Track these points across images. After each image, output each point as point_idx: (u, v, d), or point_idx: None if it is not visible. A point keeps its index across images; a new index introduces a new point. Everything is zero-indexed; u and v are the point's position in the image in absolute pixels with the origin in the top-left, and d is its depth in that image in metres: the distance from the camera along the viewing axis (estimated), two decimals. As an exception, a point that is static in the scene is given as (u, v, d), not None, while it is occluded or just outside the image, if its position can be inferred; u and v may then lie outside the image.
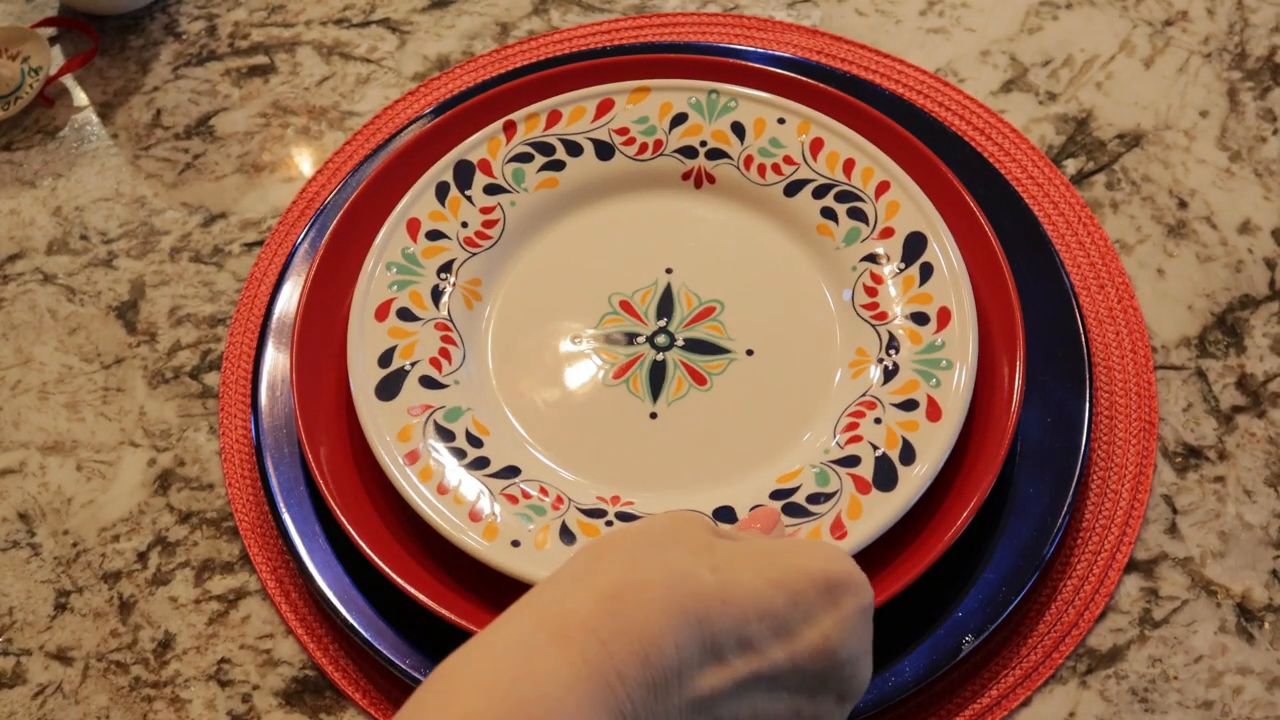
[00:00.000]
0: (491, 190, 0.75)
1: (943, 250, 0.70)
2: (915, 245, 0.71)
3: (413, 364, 0.70)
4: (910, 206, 0.71)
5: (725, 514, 0.65)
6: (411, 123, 0.81)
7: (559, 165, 0.76)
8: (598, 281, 0.74)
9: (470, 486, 0.66)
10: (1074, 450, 0.68)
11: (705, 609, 0.46)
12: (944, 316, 0.68)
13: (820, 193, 0.73)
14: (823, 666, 0.48)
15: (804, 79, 0.77)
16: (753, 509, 0.64)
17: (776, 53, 0.83)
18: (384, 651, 0.64)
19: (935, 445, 0.65)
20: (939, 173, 0.73)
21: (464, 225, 0.74)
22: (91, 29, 0.88)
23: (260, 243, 0.79)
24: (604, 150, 0.76)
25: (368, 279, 0.71)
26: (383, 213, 0.74)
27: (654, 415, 0.70)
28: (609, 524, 0.65)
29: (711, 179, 0.75)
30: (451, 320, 0.72)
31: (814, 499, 0.65)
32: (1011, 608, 0.64)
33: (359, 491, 0.67)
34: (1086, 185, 0.79)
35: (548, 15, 0.87)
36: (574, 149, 0.76)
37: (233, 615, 0.69)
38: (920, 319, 0.69)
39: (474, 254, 0.74)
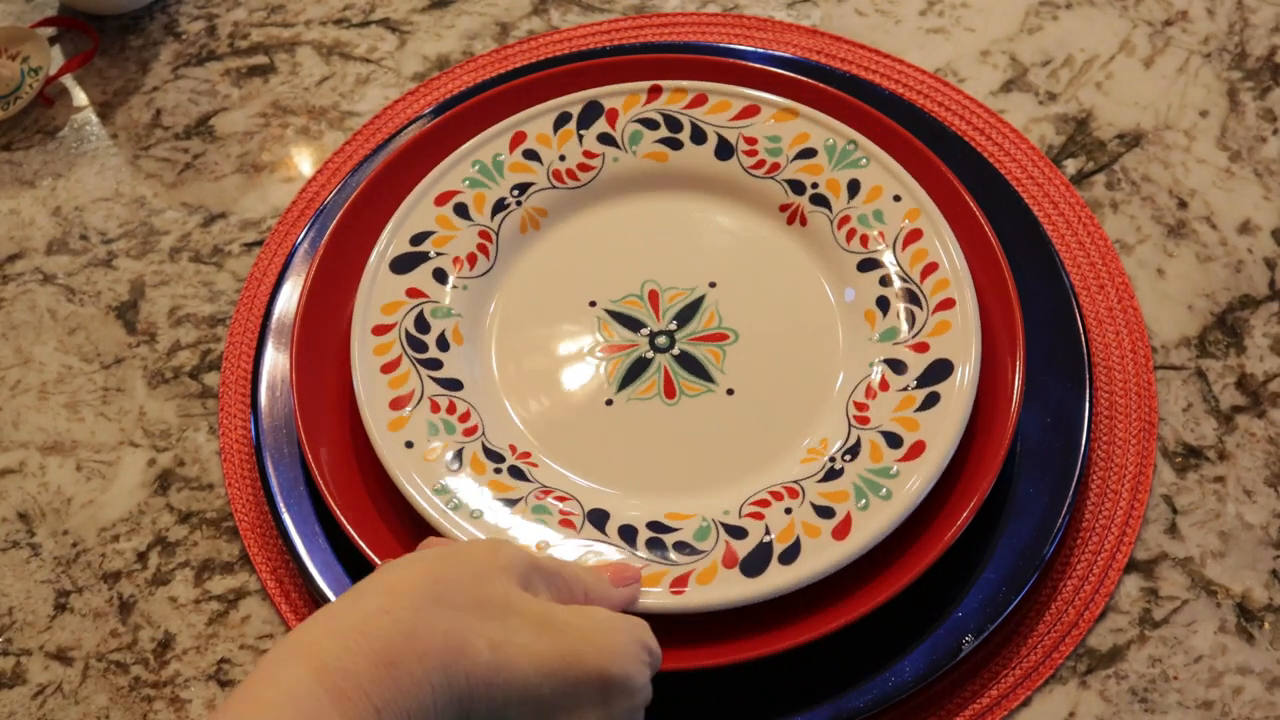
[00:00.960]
0: (604, 139, 0.76)
1: (961, 392, 0.66)
2: (938, 372, 0.67)
3: (438, 254, 0.72)
4: (958, 335, 0.68)
5: (597, 517, 0.65)
6: (411, 123, 0.81)
7: (677, 145, 0.76)
8: (643, 263, 0.74)
9: (409, 379, 0.68)
10: (1074, 450, 0.68)
11: (470, 689, 0.48)
12: (916, 450, 0.65)
13: (887, 282, 0.71)
14: None
15: (804, 79, 0.77)
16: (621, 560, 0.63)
17: (776, 53, 0.83)
18: (384, 651, 0.64)
19: (819, 560, 0.62)
20: (939, 173, 0.73)
21: (561, 159, 0.75)
22: (91, 29, 0.88)
23: (260, 243, 0.79)
24: (725, 150, 0.75)
25: (450, 165, 0.74)
26: (383, 213, 0.74)
27: (609, 402, 0.70)
28: (497, 470, 0.66)
29: (804, 221, 0.74)
30: (497, 235, 0.73)
31: (680, 547, 0.64)
32: (1011, 608, 0.64)
33: (359, 491, 0.67)
34: (1086, 185, 0.79)
35: (547, 15, 0.87)
36: (699, 137, 0.76)
37: (233, 615, 0.69)
38: (894, 441, 0.66)
39: (555, 188, 0.75)
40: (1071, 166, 0.80)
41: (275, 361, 0.73)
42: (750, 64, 0.78)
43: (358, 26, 0.88)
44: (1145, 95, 0.82)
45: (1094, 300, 0.75)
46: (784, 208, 0.74)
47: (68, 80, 0.86)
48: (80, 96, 0.86)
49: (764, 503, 0.65)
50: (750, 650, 0.61)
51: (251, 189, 0.81)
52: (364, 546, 0.65)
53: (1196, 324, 0.75)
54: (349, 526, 0.65)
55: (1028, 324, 0.71)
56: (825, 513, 0.64)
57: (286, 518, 0.68)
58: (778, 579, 0.62)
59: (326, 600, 0.66)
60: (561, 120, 0.76)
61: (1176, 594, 0.67)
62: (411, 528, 0.66)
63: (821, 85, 0.77)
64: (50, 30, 0.88)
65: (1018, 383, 0.67)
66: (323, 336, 0.71)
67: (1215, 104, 0.82)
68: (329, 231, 0.73)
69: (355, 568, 0.66)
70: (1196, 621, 0.67)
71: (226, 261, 0.79)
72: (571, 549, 0.63)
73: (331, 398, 0.70)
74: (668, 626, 0.63)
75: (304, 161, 0.82)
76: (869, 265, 0.72)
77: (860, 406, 0.68)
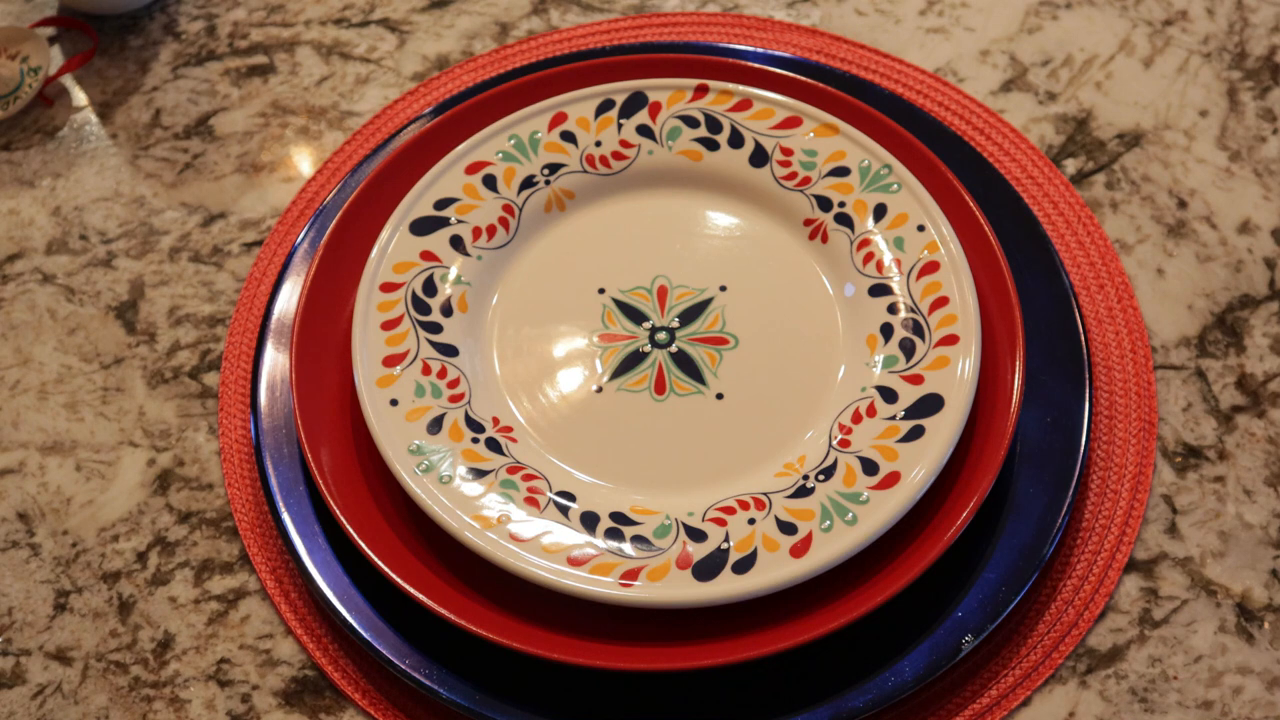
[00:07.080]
0: (643, 131, 0.76)
1: (946, 426, 0.65)
2: (927, 407, 0.66)
3: (459, 221, 0.73)
4: (952, 371, 0.67)
5: (563, 500, 0.65)
6: (411, 123, 0.81)
7: (713, 145, 0.75)
8: (658, 258, 0.74)
9: (407, 339, 0.69)
10: (1074, 450, 0.68)
11: None
12: (890, 480, 0.64)
13: (894, 309, 0.70)
14: None
15: (803, 78, 0.77)
16: None
17: (776, 52, 0.83)
18: (384, 651, 0.64)
19: (772, 575, 0.62)
20: (939, 173, 0.73)
21: (597, 144, 0.75)
22: (91, 29, 0.88)
23: (260, 243, 0.79)
24: (759, 157, 0.75)
25: (487, 136, 0.75)
26: (383, 213, 0.74)
27: (599, 389, 0.70)
28: (475, 440, 0.67)
29: (825, 239, 0.73)
30: (520, 210, 0.74)
31: (638, 541, 0.64)
32: (1011, 608, 0.64)
33: (359, 491, 0.67)
34: (1086, 185, 0.79)
35: (547, 15, 0.87)
36: (737, 141, 0.75)
37: (232, 615, 0.69)
38: (870, 468, 0.65)
39: (585, 172, 0.75)
40: (1071, 166, 0.80)
41: (275, 361, 0.73)
42: (749, 63, 0.78)
43: (357, 26, 0.88)
44: (1145, 95, 0.82)
45: (1094, 300, 0.75)
46: (808, 222, 0.74)
47: (67, 80, 0.86)
48: (80, 96, 0.86)
49: (729, 510, 0.65)
50: (750, 650, 0.61)
51: (251, 189, 0.81)
52: (364, 546, 0.65)
53: (1196, 324, 0.75)
54: (349, 526, 0.65)
55: (1028, 324, 0.71)
56: (788, 529, 0.64)
57: (286, 518, 0.68)
58: (728, 587, 0.62)
59: (326, 600, 0.66)
60: (604, 107, 0.76)
61: (1176, 594, 0.67)
62: (413, 527, 0.66)
63: (821, 85, 0.77)
64: (50, 30, 0.88)
65: (1018, 383, 0.67)
66: (323, 336, 0.71)
67: (1215, 104, 0.82)
68: (329, 231, 0.73)
69: (355, 568, 0.66)
70: (1196, 621, 0.67)
71: (226, 261, 0.79)
72: (531, 527, 0.64)
73: (331, 398, 0.70)
74: (669, 627, 0.63)
75: (304, 161, 0.82)
76: (879, 291, 0.71)
77: (844, 429, 0.67)
